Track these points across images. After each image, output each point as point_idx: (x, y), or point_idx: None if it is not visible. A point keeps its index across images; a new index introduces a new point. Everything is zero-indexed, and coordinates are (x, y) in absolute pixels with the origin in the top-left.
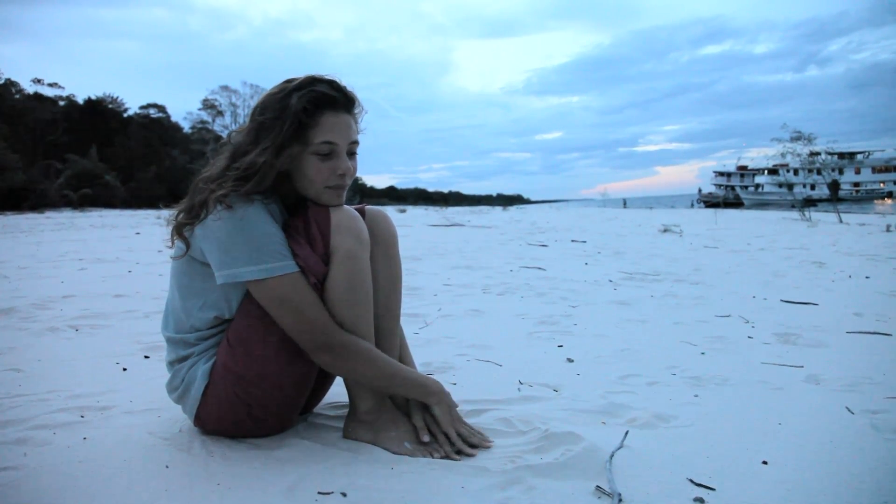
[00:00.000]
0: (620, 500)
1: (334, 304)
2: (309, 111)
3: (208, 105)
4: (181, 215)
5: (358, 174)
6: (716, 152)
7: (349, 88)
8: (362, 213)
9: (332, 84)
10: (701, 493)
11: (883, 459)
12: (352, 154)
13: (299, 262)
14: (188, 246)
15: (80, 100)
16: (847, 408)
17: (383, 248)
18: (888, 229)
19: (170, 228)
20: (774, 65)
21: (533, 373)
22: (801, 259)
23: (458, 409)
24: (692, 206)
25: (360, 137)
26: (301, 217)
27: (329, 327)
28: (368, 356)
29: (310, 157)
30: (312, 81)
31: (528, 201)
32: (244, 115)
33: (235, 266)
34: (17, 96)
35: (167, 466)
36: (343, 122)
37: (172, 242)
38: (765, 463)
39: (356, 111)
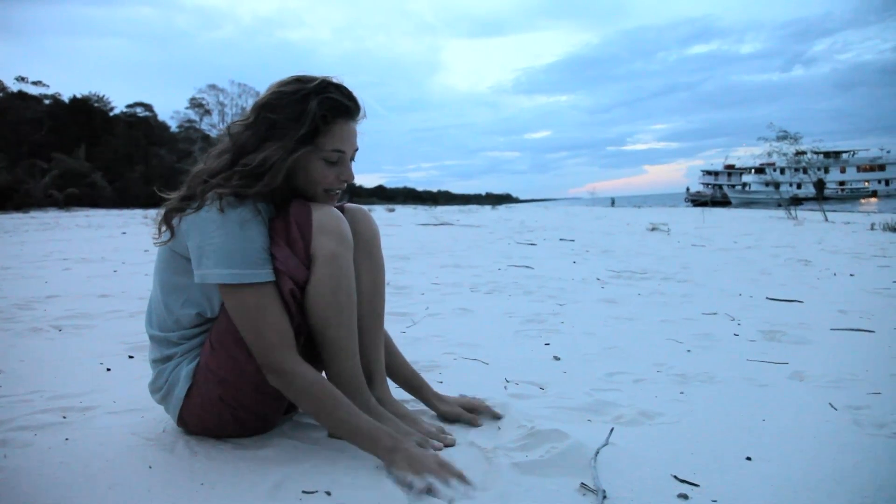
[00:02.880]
0: (605, 497)
1: (317, 308)
2: (327, 118)
3: (196, 104)
4: (174, 204)
5: None
6: (703, 151)
7: (357, 96)
8: (342, 210)
9: (345, 91)
10: (685, 489)
11: (866, 454)
12: (352, 160)
13: (278, 266)
14: (173, 233)
15: (66, 98)
16: (830, 404)
17: (365, 246)
18: (872, 227)
19: (160, 216)
20: (761, 64)
21: (519, 371)
22: (788, 257)
23: (430, 449)
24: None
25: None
26: (281, 218)
27: (279, 349)
28: (316, 393)
29: (317, 161)
30: (328, 86)
31: (516, 200)
32: (232, 113)
33: (208, 267)
34: (1, 95)
35: (150, 467)
36: (352, 131)
37: (160, 231)
38: (749, 459)
39: (361, 118)
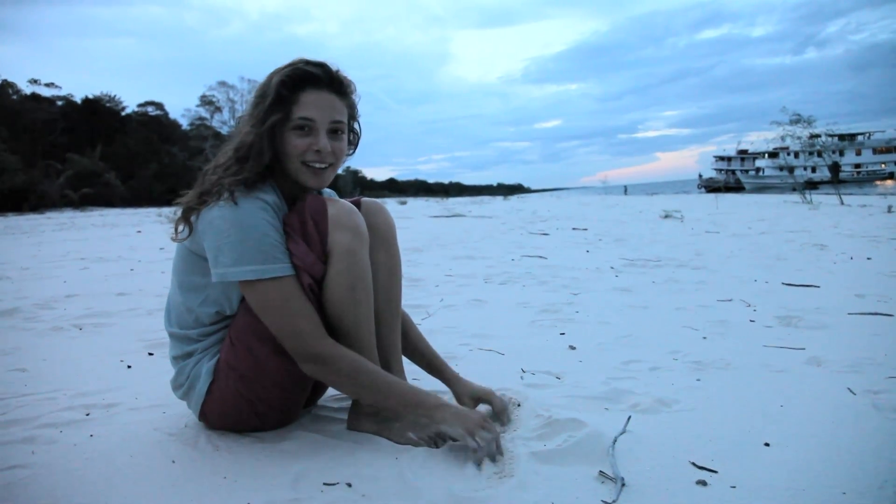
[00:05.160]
0: (623, 485)
1: (335, 303)
2: (288, 85)
3: (206, 101)
4: (189, 201)
5: (357, 167)
6: (716, 137)
7: (339, 70)
8: (358, 205)
9: (319, 64)
10: (704, 475)
11: (884, 439)
12: (335, 133)
13: (296, 262)
14: (191, 230)
15: (78, 99)
16: (849, 389)
17: (381, 239)
18: (889, 210)
19: (177, 215)
20: (773, 47)
21: (535, 361)
22: (803, 242)
23: (474, 414)
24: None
25: (358, 129)
26: (296, 213)
27: (314, 337)
28: (355, 370)
29: (290, 133)
30: (299, 61)
31: (528, 190)
32: (242, 110)
33: (226, 266)
34: (15, 97)
35: (173, 461)
36: (324, 99)
37: (177, 231)
38: (767, 445)
39: (345, 93)
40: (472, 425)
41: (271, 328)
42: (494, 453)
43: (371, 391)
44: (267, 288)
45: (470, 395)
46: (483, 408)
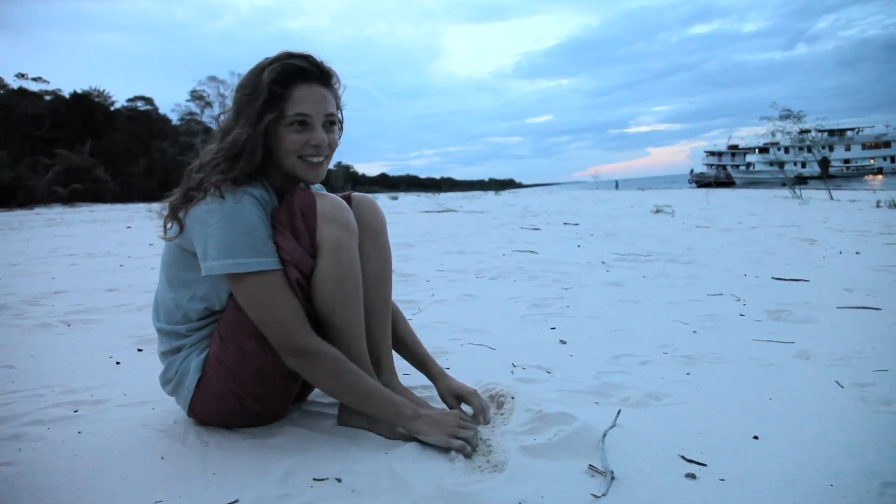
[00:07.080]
0: (613, 478)
1: (324, 297)
2: (280, 82)
3: (196, 96)
4: (176, 199)
5: (349, 162)
6: (706, 132)
7: (324, 62)
8: (348, 199)
9: (304, 57)
10: (693, 468)
11: (872, 431)
12: (330, 125)
13: (284, 256)
14: (182, 227)
15: (67, 94)
16: (837, 382)
17: (372, 234)
18: (878, 205)
19: (164, 214)
20: (763, 43)
21: (526, 355)
22: (793, 236)
23: (448, 418)
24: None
25: (348, 124)
26: (285, 207)
27: (298, 331)
28: (337, 368)
29: (285, 129)
30: (286, 56)
31: (520, 185)
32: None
33: (213, 259)
34: (2, 92)
35: (162, 458)
36: (316, 93)
37: (165, 229)
38: (756, 438)
39: (333, 84)
40: (450, 428)
41: (256, 321)
42: (476, 447)
43: (350, 392)
44: (253, 281)
45: (452, 393)
46: (465, 407)
